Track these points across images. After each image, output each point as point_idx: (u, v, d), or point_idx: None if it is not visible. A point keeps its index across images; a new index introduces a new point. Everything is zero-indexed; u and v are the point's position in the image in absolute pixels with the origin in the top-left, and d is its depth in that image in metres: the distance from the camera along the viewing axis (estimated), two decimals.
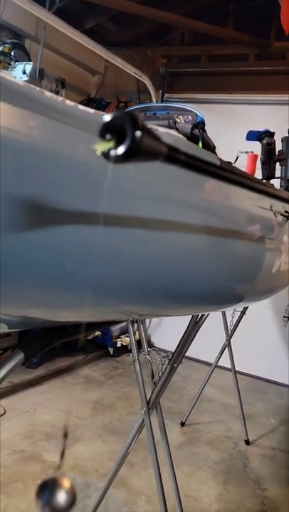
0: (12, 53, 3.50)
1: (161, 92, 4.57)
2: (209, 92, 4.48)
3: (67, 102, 0.61)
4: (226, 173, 0.62)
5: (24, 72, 3.43)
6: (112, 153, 0.41)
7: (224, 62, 4.55)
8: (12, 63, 3.47)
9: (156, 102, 4.51)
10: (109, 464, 2.55)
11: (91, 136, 0.62)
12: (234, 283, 1.13)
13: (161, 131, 0.72)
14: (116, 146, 0.40)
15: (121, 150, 0.40)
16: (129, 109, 1.80)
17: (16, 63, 3.46)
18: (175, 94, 4.64)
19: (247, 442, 3.05)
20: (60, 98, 0.59)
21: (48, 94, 0.58)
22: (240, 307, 2.65)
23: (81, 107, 0.62)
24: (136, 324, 2.19)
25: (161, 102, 4.43)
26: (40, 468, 2.45)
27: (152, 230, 0.78)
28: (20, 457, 2.53)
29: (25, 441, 2.69)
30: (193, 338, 1.87)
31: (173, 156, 0.47)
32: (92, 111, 0.65)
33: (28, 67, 3.44)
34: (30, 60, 3.67)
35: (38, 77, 3.89)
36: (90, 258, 0.65)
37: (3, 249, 0.52)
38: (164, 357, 1.85)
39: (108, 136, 0.41)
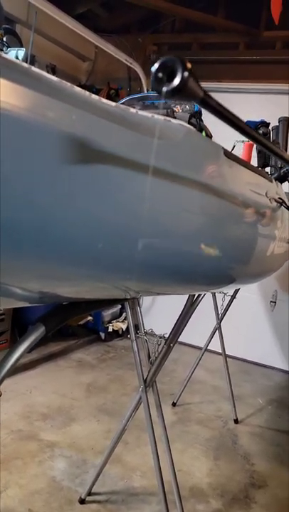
0: (4, 39, 3.50)
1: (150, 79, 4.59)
2: (200, 80, 4.52)
3: (93, 95, 0.67)
4: (242, 123, 0.72)
5: (17, 59, 3.42)
6: (164, 89, 0.49)
7: (215, 51, 4.59)
8: (4, 49, 3.47)
9: (148, 89, 4.53)
10: (104, 442, 2.64)
11: (113, 124, 0.69)
12: (233, 264, 1.21)
13: (174, 122, 0.79)
14: (167, 84, 0.48)
15: (172, 86, 0.48)
16: (127, 98, 1.85)
17: (9, 49, 3.46)
18: None
19: (236, 421, 3.17)
20: (87, 93, 0.66)
21: (77, 89, 0.64)
22: (237, 287, 2.73)
23: (104, 101, 0.69)
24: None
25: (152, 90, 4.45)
26: (38, 447, 2.53)
27: (156, 210, 0.84)
28: (18, 436, 2.61)
29: (22, 422, 2.77)
30: (188, 320, 1.95)
31: (206, 100, 0.56)
32: (112, 103, 0.72)
33: (21, 53, 3.42)
34: (22, 46, 3.66)
35: (29, 63, 3.88)
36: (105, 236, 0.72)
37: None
38: (160, 337, 1.93)
39: (160, 75, 0.49)
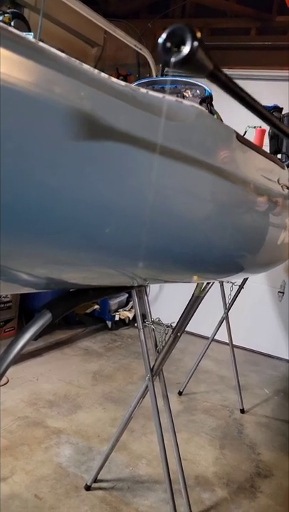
0: (12, 23, 3.45)
1: (161, 65, 4.52)
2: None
3: (102, 74, 0.65)
4: (253, 101, 0.67)
5: None
6: (172, 59, 0.46)
7: (225, 36, 4.50)
8: None
9: (157, 75, 4.47)
10: (110, 429, 2.65)
11: (123, 103, 0.67)
12: (243, 252, 1.19)
13: (186, 103, 0.76)
14: (175, 54, 0.46)
15: (180, 55, 0.45)
16: (137, 83, 1.81)
17: None
18: None
19: (242, 411, 3.16)
20: (96, 70, 0.63)
21: (86, 66, 0.62)
22: (246, 276, 2.71)
23: (114, 79, 0.66)
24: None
25: (162, 75, 4.39)
26: (44, 433, 2.54)
27: (165, 194, 0.82)
28: (24, 423, 2.62)
29: (28, 408, 2.79)
30: (196, 309, 1.93)
31: (216, 73, 0.53)
32: (122, 82, 0.69)
33: (29, 37, 3.38)
34: (30, 31, 3.61)
35: None
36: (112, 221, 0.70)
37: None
38: (167, 326, 1.92)
39: (168, 45, 0.46)
